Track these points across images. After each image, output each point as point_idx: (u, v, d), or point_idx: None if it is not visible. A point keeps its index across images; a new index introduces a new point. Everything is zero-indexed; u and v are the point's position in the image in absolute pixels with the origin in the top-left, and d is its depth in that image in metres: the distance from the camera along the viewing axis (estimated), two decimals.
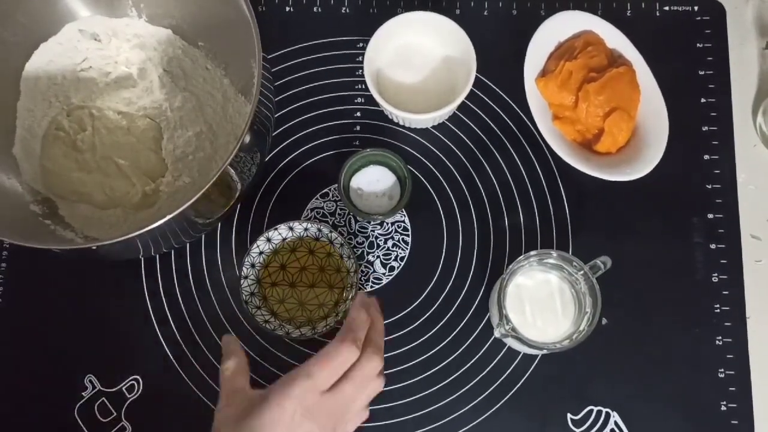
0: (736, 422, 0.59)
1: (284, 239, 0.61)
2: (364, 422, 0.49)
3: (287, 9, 0.69)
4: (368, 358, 0.47)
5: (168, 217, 0.49)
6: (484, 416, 0.60)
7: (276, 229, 0.60)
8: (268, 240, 0.60)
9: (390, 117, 0.65)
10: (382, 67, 0.64)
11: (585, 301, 0.55)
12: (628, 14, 0.69)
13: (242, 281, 0.59)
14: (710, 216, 0.64)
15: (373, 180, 0.63)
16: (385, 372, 0.60)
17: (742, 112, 0.66)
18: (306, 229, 0.60)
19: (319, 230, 0.60)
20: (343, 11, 0.69)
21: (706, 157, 0.65)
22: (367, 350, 0.47)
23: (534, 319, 0.56)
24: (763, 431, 0.59)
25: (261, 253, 0.60)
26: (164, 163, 0.62)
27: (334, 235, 0.60)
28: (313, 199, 0.65)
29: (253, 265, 0.60)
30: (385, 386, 0.60)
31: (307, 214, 0.65)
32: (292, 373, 0.46)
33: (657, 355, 0.61)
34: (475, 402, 0.60)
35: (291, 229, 0.60)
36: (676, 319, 0.62)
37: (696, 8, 0.69)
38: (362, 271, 0.63)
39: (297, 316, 0.60)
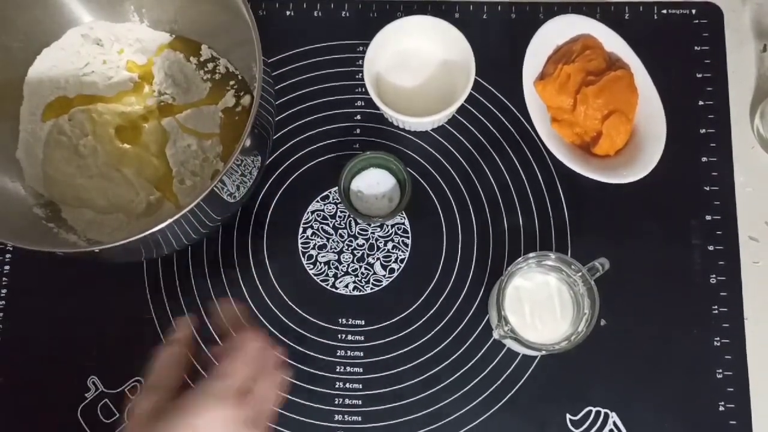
0: (734, 423, 0.60)
1: None
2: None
3: (288, 13, 0.70)
4: (266, 350, 0.45)
5: (169, 220, 0.49)
6: (483, 417, 0.60)
7: None
8: None
9: (390, 120, 0.65)
10: (382, 70, 0.65)
11: (583, 303, 0.55)
12: (626, 18, 0.69)
13: None
14: (708, 218, 0.64)
15: (373, 183, 0.64)
16: (385, 373, 0.61)
17: (739, 114, 0.67)
18: None
19: None
20: (343, 15, 0.70)
21: (704, 159, 0.66)
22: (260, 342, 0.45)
23: (533, 321, 0.57)
24: None
25: None
26: (168, 169, 0.62)
27: None
28: (314, 202, 0.65)
29: None
30: (385, 387, 0.61)
31: (308, 217, 0.65)
32: (204, 381, 0.43)
33: (655, 355, 0.61)
34: (474, 403, 0.61)
35: None
36: (674, 320, 0.62)
37: (693, 11, 0.69)
38: (362, 273, 0.64)
39: None
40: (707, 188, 0.65)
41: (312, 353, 0.62)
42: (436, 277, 0.63)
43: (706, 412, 0.60)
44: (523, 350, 0.59)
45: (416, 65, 0.65)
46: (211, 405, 0.41)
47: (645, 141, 0.62)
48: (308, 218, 0.65)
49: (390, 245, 0.64)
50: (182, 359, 0.46)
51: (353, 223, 0.65)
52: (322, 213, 0.65)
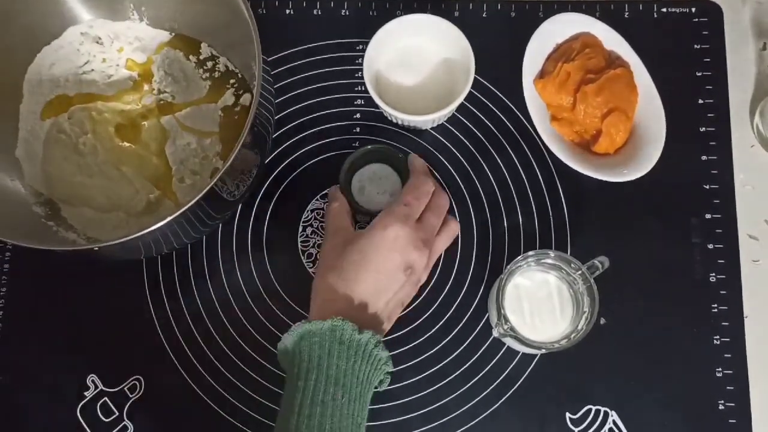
0: (733, 421, 0.60)
1: None
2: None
3: (287, 11, 0.70)
4: (440, 193, 0.59)
5: (169, 218, 0.49)
6: (483, 416, 0.60)
7: None
8: None
9: (389, 118, 0.65)
10: (382, 68, 0.65)
11: (583, 301, 0.55)
12: (626, 16, 0.69)
13: None
14: (708, 216, 0.64)
15: (375, 177, 0.64)
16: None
17: (739, 113, 0.67)
18: None
19: None
20: (342, 13, 0.70)
21: (704, 157, 0.66)
22: (436, 187, 0.59)
23: (532, 319, 0.57)
24: (760, 430, 0.60)
25: None
26: (168, 167, 0.62)
27: None
28: (314, 200, 0.65)
29: None
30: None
31: (308, 215, 0.65)
32: (390, 206, 0.57)
33: (655, 354, 0.61)
34: (474, 401, 0.61)
35: None
36: (674, 318, 0.62)
37: (693, 10, 0.69)
38: None
39: None
40: (707, 186, 0.65)
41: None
42: (436, 275, 0.63)
43: (706, 411, 0.60)
44: (522, 349, 0.59)
45: (416, 64, 0.65)
46: (398, 223, 0.54)
47: (645, 139, 0.62)
48: (308, 216, 0.65)
49: None
50: (345, 209, 0.60)
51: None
52: (322, 211, 0.65)
